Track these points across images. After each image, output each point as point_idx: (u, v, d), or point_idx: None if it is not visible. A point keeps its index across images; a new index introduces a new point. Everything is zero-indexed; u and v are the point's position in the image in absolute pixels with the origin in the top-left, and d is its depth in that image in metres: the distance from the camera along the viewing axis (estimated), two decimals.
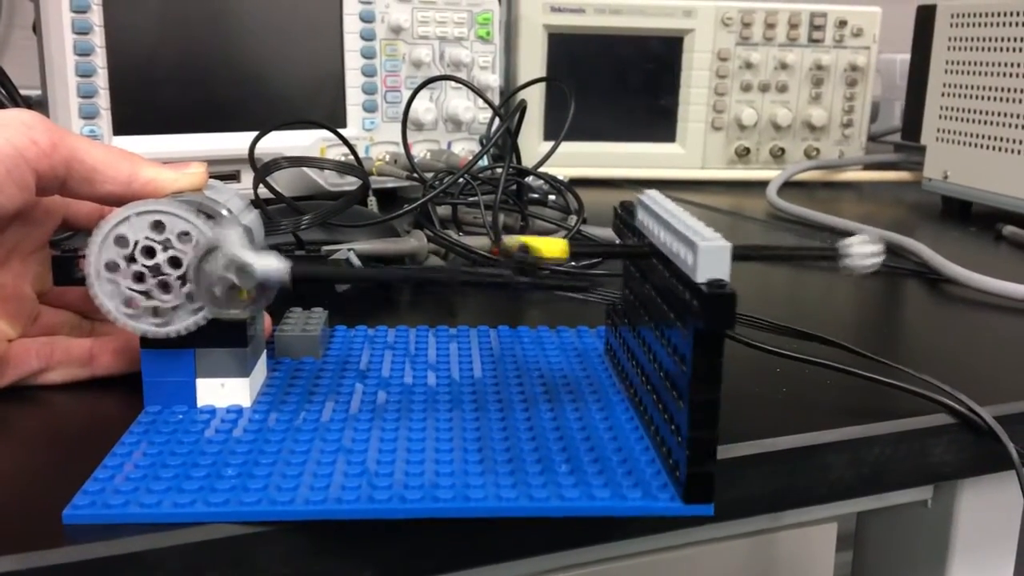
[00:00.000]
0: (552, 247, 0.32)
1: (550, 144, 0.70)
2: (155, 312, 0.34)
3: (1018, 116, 0.75)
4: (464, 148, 0.80)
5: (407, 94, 0.74)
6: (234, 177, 0.70)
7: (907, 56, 0.90)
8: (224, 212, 0.36)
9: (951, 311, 0.56)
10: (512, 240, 0.32)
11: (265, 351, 0.39)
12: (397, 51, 0.76)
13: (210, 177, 0.38)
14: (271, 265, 0.32)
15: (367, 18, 0.74)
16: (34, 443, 0.34)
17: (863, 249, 0.33)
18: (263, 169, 0.51)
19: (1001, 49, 0.77)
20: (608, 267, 0.58)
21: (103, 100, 0.64)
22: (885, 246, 0.33)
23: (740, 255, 0.29)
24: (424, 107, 0.76)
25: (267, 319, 0.40)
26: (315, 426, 0.34)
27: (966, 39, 0.81)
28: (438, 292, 0.54)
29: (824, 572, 0.46)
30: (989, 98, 0.78)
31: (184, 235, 0.34)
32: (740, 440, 0.35)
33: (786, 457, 0.35)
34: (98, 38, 0.63)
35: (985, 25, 0.78)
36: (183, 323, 0.34)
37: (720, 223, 0.78)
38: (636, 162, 0.97)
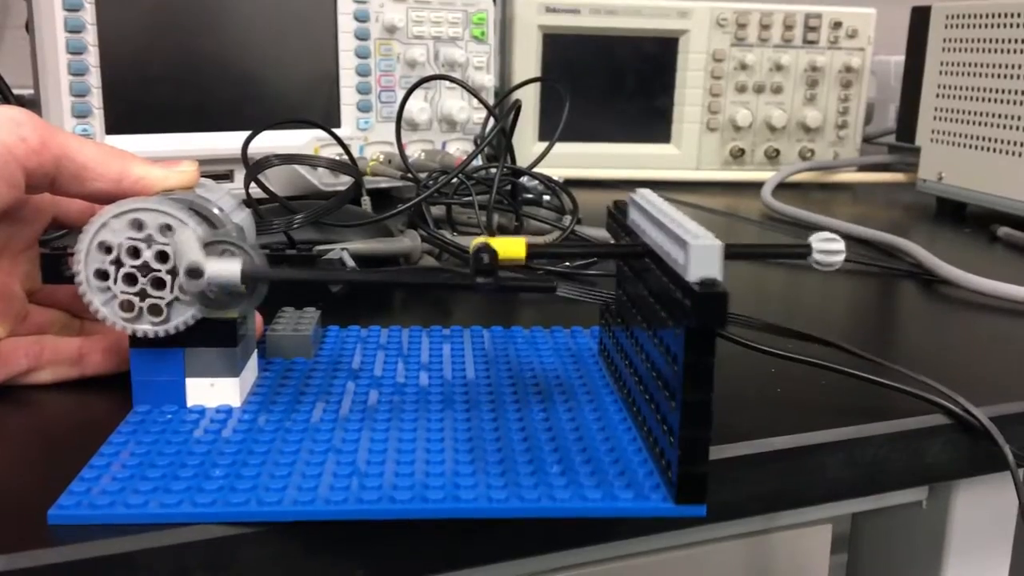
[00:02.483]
0: (511, 248, 0.31)
1: (545, 144, 0.70)
2: (145, 311, 0.34)
3: (1013, 117, 0.75)
4: (459, 148, 0.79)
5: (401, 94, 0.74)
6: (227, 177, 0.69)
7: (902, 58, 0.90)
8: (215, 211, 0.35)
9: (946, 312, 0.55)
10: (476, 241, 0.31)
11: (256, 351, 0.39)
12: (392, 51, 0.76)
13: (203, 177, 0.38)
14: (223, 269, 0.32)
15: (361, 17, 0.74)
16: (22, 442, 0.34)
17: (823, 246, 0.33)
18: (254, 167, 0.51)
19: (996, 50, 0.77)
20: (601, 267, 0.58)
21: (95, 99, 0.64)
22: (844, 244, 0.33)
23: None
24: (419, 107, 0.76)
25: (258, 319, 0.40)
26: (305, 426, 0.34)
27: (961, 40, 0.81)
28: (411, 293, 0.54)
29: (819, 574, 0.45)
30: (984, 99, 0.78)
31: (170, 230, 0.34)
32: (735, 440, 0.34)
33: (781, 457, 0.35)
34: (91, 36, 0.63)
35: (980, 26, 0.78)
36: (174, 322, 0.34)
37: (715, 224, 0.77)
38: (631, 163, 0.97)
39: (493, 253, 0.31)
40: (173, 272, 0.34)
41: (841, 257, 0.33)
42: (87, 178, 0.35)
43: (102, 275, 0.34)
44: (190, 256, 0.32)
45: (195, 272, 0.32)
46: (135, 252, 0.34)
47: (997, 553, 0.47)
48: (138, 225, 0.34)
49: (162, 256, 0.34)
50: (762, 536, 0.43)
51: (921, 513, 0.46)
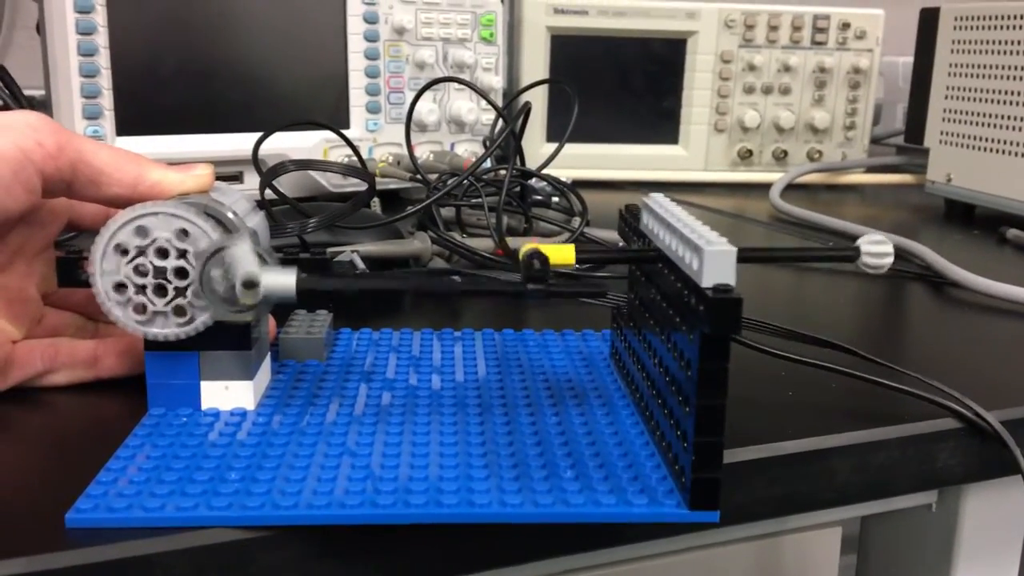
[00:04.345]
0: (561, 254, 0.32)
1: (553, 146, 0.70)
2: (162, 315, 0.34)
3: (1022, 119, 0.75)
4: (467, 149, 0.80)
5: (410, 95, 0.74)
6: (237, 178, 0.70)
7: (910, 59, 0.90)
8: (230, 215, 0.36)
9: (956, 315, 0.55)
10: (524, 247, 0.31)
11: (269, 354, 0.39)
12: (400, 52, 0.76)
13: (215, 179, 0.38)
14: (279, 281, 0.32)
15: (371, 19, 0.74)
16: (38, 445, 0.34)
17: (872, 248, 0.33)
18: (270, 172, 0.51)
19: (1005, 52, 0.77)
20: (612, 270, 0.58)
21: (106, 101, 0.64)
22: (893, 246, 0.34)
23: (748, 257, 0.29)
24: (427, 108, 0.76)
25: (271, 321, 0.40)
26: (319, 429, 0.34)
27: (969, 42, 0.81)
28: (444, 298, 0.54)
29: None
30: (993, 101, 0.78)
31: (185, 235, 0.34)
32: (745, 444, 0.35)
33: (792, 461, 0.35)
34: (102, 38, 0.63)
35: (989, 28, 0.78)
36: (190, 325, 0.34)
37: (723, 225, 0.78)
38: (639, 164, 0.97)
39: (544, 260, 0.31)
40: (188, 272, 0.34)
41: (890, 259, 0.33)
42: (103, 183, 0.36)
43: (119, 287, 0.34)
44: (246, 267, 0.32)
45: (251, 283, 0.32)
46: (147, 259, 0.34)
47: (1006, 557, 0.47)
48: (144, 232, 0.34)
49: (175, 256, 0.34)
50: (772, 539, 0.43)
51: (931, 517, 0.46)
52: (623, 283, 0.42)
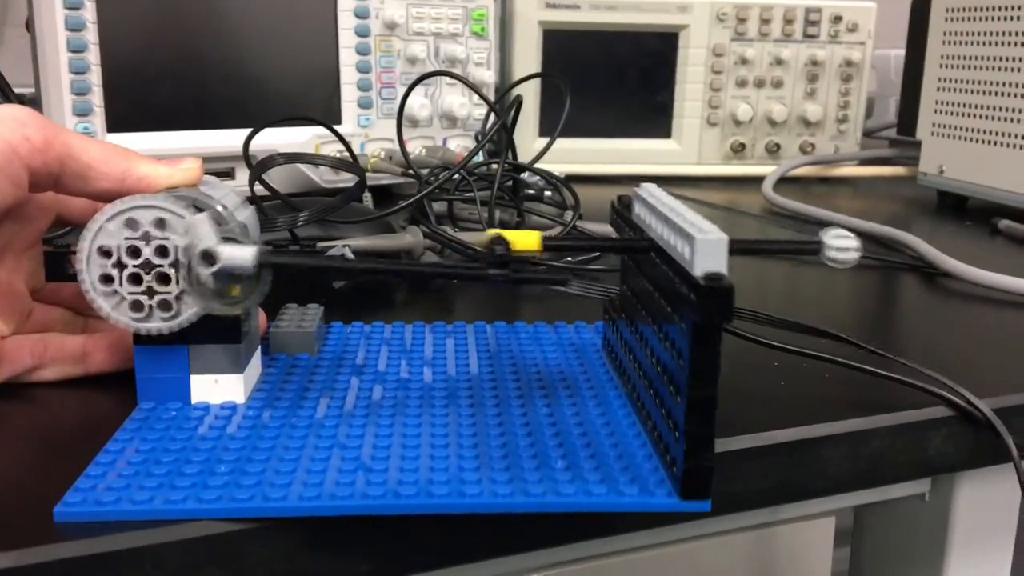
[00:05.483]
0: (525, 240, 0.31)
1: (545, 140, 0.70)
2: (154, 308, 0.34)
3: (1013, 110, 0.75)
4: (459, 144, 0.80)
5: (402, 90, 0.74)
6: (229, 174, 0.69)
7: (902, 51, 0.90)
8: (219, 208, 0.35)
9: (948, 305, 0.55)
10: (487, 233, 0.31)
11: (260, 347, 0.39)
12: (392, 47, 0.76)
13: (205, 174, 0.38)
14: (236, 254, 0.32)
15: (361, 14, 0.74)
16: (26, 440, 0.34)
17: (837, 242, 0.33)
18: (259, 166, 0.51)
19: (996, 44, 0.77)
20: (604, 262, 0.58)
21: (96, 97, 0.64)
22: (861, 241, 0.33)
23: None
24: (419, 103, 0.76)
25: (262, 315, 0.40)
26: (309, 422, 0.34)
27: (961, 33, 0.81)
28: (419, 284, 0.54)
29: (822, 566, 0.45)
30: (985, 92, 0.78)
31: (175, 229, 0.34)
32: (737, 433, 0.34)
33: (784, 450, 0.35)
34: (91, 35, 0.63)
35: (980, 20, 0.78)
36: (180, 318, 0.34)
37: (716, 219, 0.77)
38: (632, 158, 0.97)
39: (507, 245, 0.31)
40: (176, 266, 0.34)
41: (854, 255, 0.33)
42: (91, 177, 0.35)
43: (106, 279, 0.34)
44: (205, 241, 0.32)
45: (209, 257, 0.32)
46: (135, 252, 0.34)
47: (1000, 545, 0.47)
48: (133, 224, 0.34)
49: (162, 251, 0.34)
50: (765, 529, 0.43)
51: (924, 505, 0.46)
52: (606, 274, 0.41)
